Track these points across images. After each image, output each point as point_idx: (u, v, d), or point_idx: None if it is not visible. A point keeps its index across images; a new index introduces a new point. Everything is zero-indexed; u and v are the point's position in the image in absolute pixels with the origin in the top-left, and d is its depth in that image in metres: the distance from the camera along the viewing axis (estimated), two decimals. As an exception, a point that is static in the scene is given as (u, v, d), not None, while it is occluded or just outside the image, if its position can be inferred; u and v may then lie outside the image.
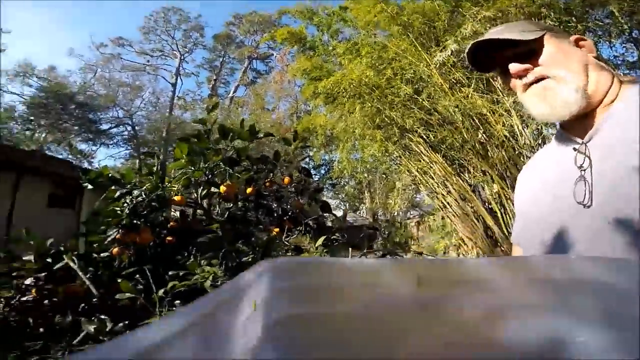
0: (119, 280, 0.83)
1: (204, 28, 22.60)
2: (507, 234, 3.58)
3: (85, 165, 14.95)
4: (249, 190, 1.38)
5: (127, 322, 0.81)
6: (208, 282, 0.93)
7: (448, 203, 4.31)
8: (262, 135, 1.22)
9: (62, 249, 1.11)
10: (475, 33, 3.40)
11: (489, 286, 0.26)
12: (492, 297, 0.26)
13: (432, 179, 4.48)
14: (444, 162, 4.19)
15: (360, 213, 14.83)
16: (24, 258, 1.04)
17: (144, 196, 1.26)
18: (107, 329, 0.75)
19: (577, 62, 0.61)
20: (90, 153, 18.47)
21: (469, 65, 0.72)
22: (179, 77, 21.74)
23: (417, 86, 4.12)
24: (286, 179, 1.52)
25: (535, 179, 0.70)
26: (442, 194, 4.40)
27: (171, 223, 1.51)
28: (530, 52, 0.62)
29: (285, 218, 1.61)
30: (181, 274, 0.96)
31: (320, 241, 1.31)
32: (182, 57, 21.97)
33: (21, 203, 5.11)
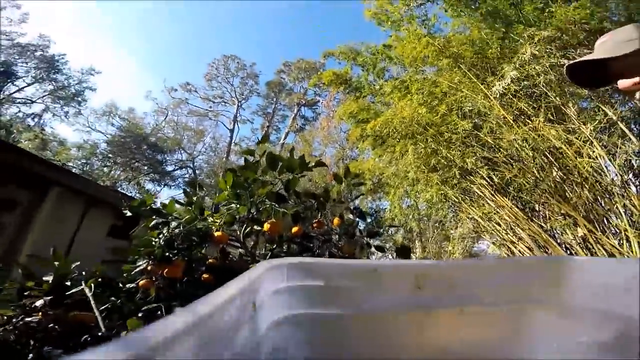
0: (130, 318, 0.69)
1: (258, 76, 24.41)
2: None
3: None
4: (294, 229, 1.22)
5: None
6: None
7: (519, 251, 3.72)
8: (312, 165, 1.07)
9: (83, 273, 1.03)
10: (535, 57, 3.13)
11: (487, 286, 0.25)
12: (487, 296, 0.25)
13: (499, 225, 3.95)
14: (513, 206, 3.68)
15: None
16: (44, 278, 0.96)
17: (181, 228, 1.15)
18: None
19: None
20: (155, 193, 20.14)
21: (572, 82, 0.69)
22: (236, 124, 23.54)
23: (475, 121, 3.82)
24: (336, 220, 1.33)
25: None
26: (512, 241, 3.82)
27: (210, 260, 1.38)
28: (633, 63, 0.58)
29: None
30: None
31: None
32: (240, 104, 23.91)
33: (85, 229, 5.59)
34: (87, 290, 1.05)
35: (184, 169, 21.27)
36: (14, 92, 18.81)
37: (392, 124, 4.21)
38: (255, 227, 1.26)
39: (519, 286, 0.26)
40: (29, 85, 19.03)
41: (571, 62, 0.62)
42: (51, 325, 0.90)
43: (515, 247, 3.84)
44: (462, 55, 3.87)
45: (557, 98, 3.27)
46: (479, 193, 4.12)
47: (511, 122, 3.43)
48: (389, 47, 5.40)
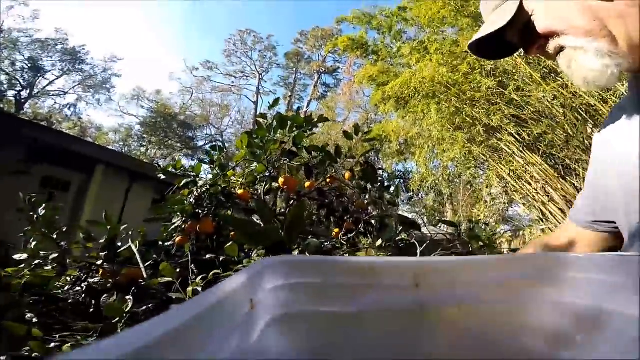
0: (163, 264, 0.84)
1: (276, 47, 24.09)
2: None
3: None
4: (307, 184, 1.32)
5: (150, 305, 0.80)
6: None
7: (550, 212, 3.64)
8: (316, 120, 1.14)
9: (130, 233, 1.20)
10: None
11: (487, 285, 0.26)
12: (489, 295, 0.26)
13: (529, 184, 3.85)
14: (543, 162, 3.56)
15: (441, 227, 13.80)
16: (100, 241, 1.14)
17: (208, 186, 1.29)
18: (127, 310, 0.74)
19: (581, 18, 0.47)
20: (189, 167, 21.11)
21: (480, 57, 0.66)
22: (259, 96, 23.60)
23: (500, 78, 3.63)
24: (347, 174, 1.41)
25: (625, 142, 0.52)
26: (543, 202, 3.74)
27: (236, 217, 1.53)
28: (527, 29, 0.51)
29: (346, 218, 1.50)
30: (221, 259, 0.93)
31: (380, 241, 1.16)
32: (261, 77, 23.83)
33: (130, 203, 6.19)
34: (133, 247, 1.22)
35: (214, 143, 21.99)
36: (47, 86, 20.00)
37: (412, 85, 4.10)
38: (274, 184, 1.37)
39: (517, 283, 0.26)
40: (58, 77, 20.18)
41: (472, 40, 0.55)
42: (108, 280, 1.08)
43: (547, 209, 3.75)
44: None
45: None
46: (507, 150, 3.99)
47: (539, 80, 3.24)
48: (404, 9, 5.14)
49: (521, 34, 0.53)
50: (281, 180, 1.23)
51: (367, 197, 1.58)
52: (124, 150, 19.05)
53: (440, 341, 0.25)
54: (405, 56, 4.84)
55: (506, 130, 3.83)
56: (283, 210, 1.52)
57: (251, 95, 23.86)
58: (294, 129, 1.17)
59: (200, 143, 21.62)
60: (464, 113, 4.01)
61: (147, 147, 19.92)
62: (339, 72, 21.88)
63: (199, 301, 0.17)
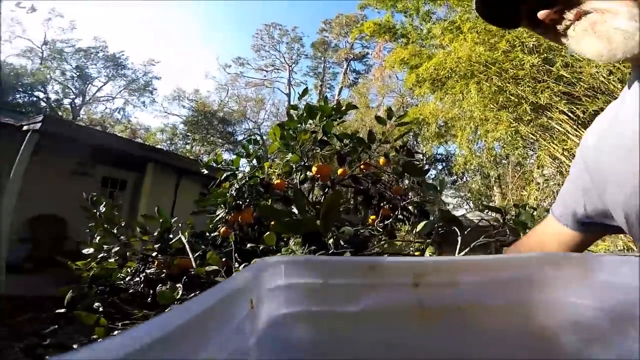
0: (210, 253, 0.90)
1: (302, 38, 24.06)
2: None
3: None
4: (340, 171, 1.32)
5: (198, 292, 0.86)
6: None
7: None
8: (344, 109, 1.14)
9: (180, 225, 1.30)
10: None
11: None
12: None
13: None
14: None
15: (487, 212, 13.08)
16: (154, 234, 1.25)
17: (247, 179, 1.35)
18: (178, 297, 0.81)
19: None
20: (229, 161, 22.10)
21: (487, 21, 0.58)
22: (291, 87, 23.80)
23: (545, 56, 3.32)
24: (381, 160, 1.39)
25: (620, 136, 0.51)
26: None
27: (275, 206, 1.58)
28: None
29: (382, 204, 1.48)
30: (261, 247, 0.97)
31: (421, 226, 1.14)
32: (291, 68, 23.96)
33: (180, 197, 6.63)
34: (183, 238, 1.32)
35: (252, 136, 22.69)
36: (96, 92, 21.73)
37: (447, 65, 3.90)
38: (308, 173, 1.40)
39: (519, 284, 0.26)
40: (104, 84, 21.85)
41: None
42: (162, 270, 1.19)
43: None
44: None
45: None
46: (559, 129, 3.68)
47: (591, 55, 2.93)
48: None
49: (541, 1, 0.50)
50: (314, 169, 1.25)
51: (405, 182, 1.56)
52: (171, 149, 20.33)
53: (440, 341, 0.25)
54: (437, 37, 4.62)
55: (557, 108, 3.53)
56: (319, 199, 1.54)
57: (283, 88, 24.18)
58: (324, 118, 1.18)
59: (240, 137, 22.42)
60: (507, 92, 3.75)
61: (191, 145, 21.07)
62: (369, 58, 21.38)
63: (199, 301, 0.17)
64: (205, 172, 1.47)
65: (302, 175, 1.44)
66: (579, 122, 3.55)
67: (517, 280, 0.26)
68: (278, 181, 1.41)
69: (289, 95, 23.56)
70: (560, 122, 3.72)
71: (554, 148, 3.94)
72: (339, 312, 0.24)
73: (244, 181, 1.34)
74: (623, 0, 0.46)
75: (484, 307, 0.26)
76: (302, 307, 0.24)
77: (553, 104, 3.56)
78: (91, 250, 1.29)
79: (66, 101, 20.40)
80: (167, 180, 6.67)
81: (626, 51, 0.45)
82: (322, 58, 23.57)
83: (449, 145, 8.90)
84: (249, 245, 1.21)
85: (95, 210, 1.34)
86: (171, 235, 1.36)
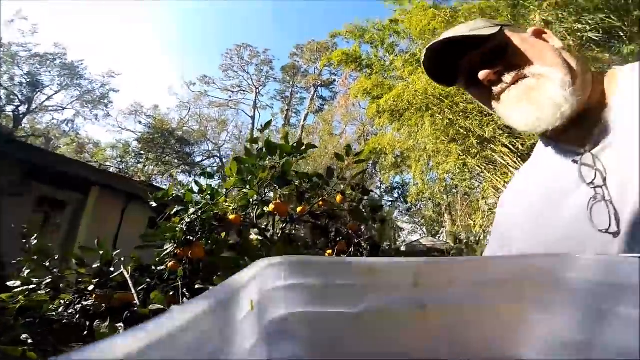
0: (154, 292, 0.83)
1: (272, 61, 24.30)
2: None
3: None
4: (299, 209, 1.32)
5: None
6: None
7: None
8: (304, 148, 1.15)
9: (122, 259, 1.20)
10: (547, 22, 2.94)
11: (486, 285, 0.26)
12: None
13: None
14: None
15: (439, 237, 13.72)
16: (93, 266, 1.14)
17: (199, 214, 1.29)
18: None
19: (551, 55, 0.51)
20: (187, 184, 21.11)
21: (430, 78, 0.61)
22: (256, 110, 23.79)
23: None
24: (338, 197, 1.41)
25: (527, 202, 0.55)
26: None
27: (231, 242, 1.52)
28: (494, 52, 0.51)
29: (338, 239, 1.49)
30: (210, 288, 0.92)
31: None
32: (258, 91, 24.04)
33: (126, 224, 6.12)
34: (125, 273, 1.22)
35: (211, 159, 22.03)
36: (45, 101, 20.06)
37: (405, 97, 4.16)
38: (265, 208, 1.38)
39: (518, 285, 0.26)
40: (56, 92, 20.22)
41: (441, 38, 0.53)
42: (101, 304, 1.09)
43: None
44: (472, 25, 3.72)
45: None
46: (501, 161, 4.02)
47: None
48: (395, 22, 5.25)
49: (485, 56, 0.53)
50: (271, 206, 1.24)
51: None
52: (121, 167, 19.03)
53: (440, 341, 0.25)
54: (398, 69, 4.93)
55: (500, 140, 3.87)
56: (279, 233, 1.51)
57: (248, 110, 24.09)
58: (284, 155, 1.18)
59: (198, 159, 21.68)
60: (457, 125, 4.05)
61: (144, 164, 19.93)
62: (335, 85, 22.18)
63: (198, 302, 0.17)
64: (154, 204, 1.38)
65: (259, 211, 1.41)
66: (519, 154, 3.90)
67: (518, 281, 0.26)
68: (233, 216, 1.36)
69: (253, 118, 23.48)
70: (502, 155, 4.06)
71: (497, 180, 4.27)
72: (340, 312, 0.24)
73: (196, 216, 1.28)
74: (559, 67, 0.49)
75: (485, 307, 0.26)
76: (303, 308, 0.24)
77: (497, 137, 3.89)
78: (17, 282, 1.16)
79: (9, 108, 18.48)
80: (113, 204, 6.19)
81: (551, 123, 0.48)
82: (291, 82, 23.93)
83: (404, 175, 9.30)
84: (197, 286, 1.14)
85: (25, 242, 1.21)
86: (113, 269, 1.25)
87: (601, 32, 3.11)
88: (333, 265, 0.26)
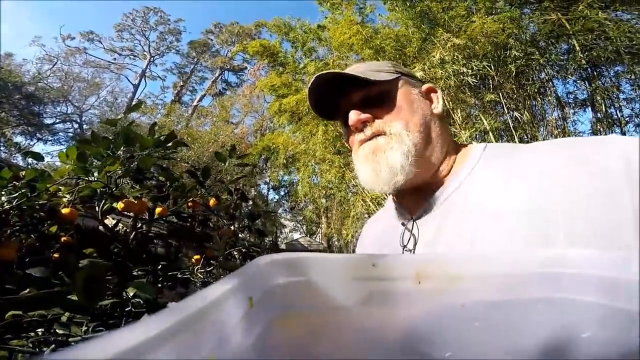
0: None
1: (182, 33, 22.13)
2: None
3: (19, 159, 13.63)
4: (158, 210, 1.14)
5: None
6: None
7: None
8: (170, 144, 0.99)
9: None
10: (442, 61, 3.47)
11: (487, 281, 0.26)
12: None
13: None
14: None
15: (315, 238, 14.57)
16: None
17: (13, 204, 0.98)
18: None
19: (418, 119, 0.51)
20: (26, 147, 16.70)
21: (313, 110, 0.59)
22: (143, 79, 20.77)
23: None
24: (212, 201, 1.30)
25: (371, 248, 0.62)
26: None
27: (64, 238, 1.22)
28: (373, 98, 0.51)
29: (208, 245, 1.37)
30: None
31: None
32: (152, 59, 21.12)
33: None
34: None
35: (67, 123, 18.12)
36: None
37: (307, 103, 4.27)
38: (115, 204, 1.15)
39: (522, 280, 0.26)
40: None
41: (339, 72, 0.53)
42: None
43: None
44: (384, 49, 4.05)
45: (450, 102, 3.71)
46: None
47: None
48: (322, 28, 5.36)
49: (365, 98, 0.52)
50: (121, 205, 1.03)
51: (235, 224, 1.50)
52: None
53: (442, 338, 0.24)
54: (309, 73, 5.01)
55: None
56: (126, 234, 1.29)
57: (133, 77, 20.78)
58: (144, 149, 0.99)
59: (49, 121, 17.47)
60: (343, 139, 4.37)
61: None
62: (244, 73, 21.09)
63: (196, 300, 0.17)
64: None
65: (107, 205, 1.17)
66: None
67: (521, 276, 0.26)
68: (67, 210, 1.09)
69: (136, 86, 20.32)
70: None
71: (365, 194, 4.77)
72: (340, 310, 0.24)
73: (9, 206, 0.96)
74: (416, 134, 0.49)
75: (488, 303, 0.25)
76: (304, 305, 0.24)
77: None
78: None
79: None
80: None
81: (384, 190, 0.49)
82: (196, 59, 21.70)
83: (292, 176, 9.57)
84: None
85: None
86: None
87: (477, 78, 3.73)
88: (335, 261, 0.26)
